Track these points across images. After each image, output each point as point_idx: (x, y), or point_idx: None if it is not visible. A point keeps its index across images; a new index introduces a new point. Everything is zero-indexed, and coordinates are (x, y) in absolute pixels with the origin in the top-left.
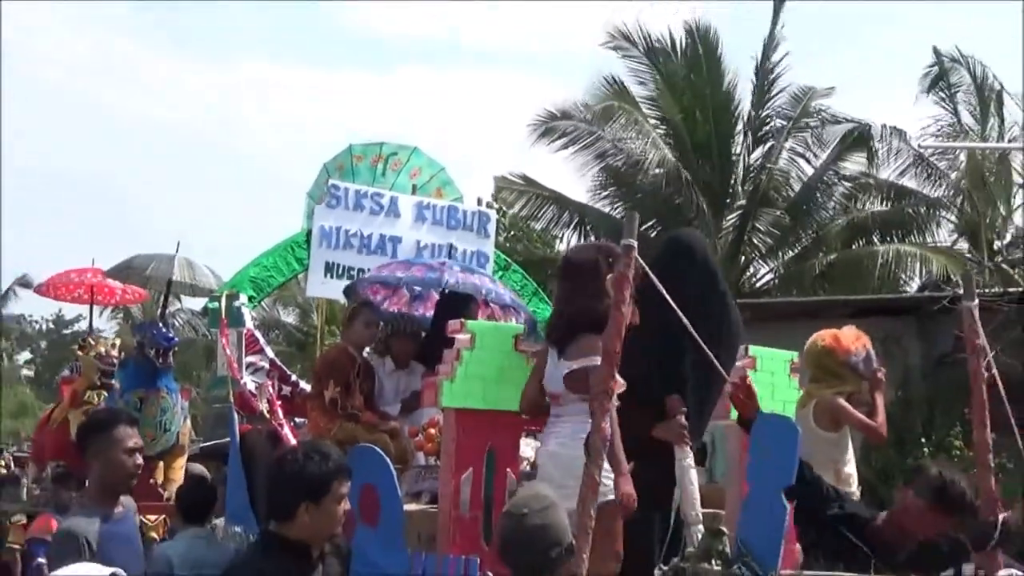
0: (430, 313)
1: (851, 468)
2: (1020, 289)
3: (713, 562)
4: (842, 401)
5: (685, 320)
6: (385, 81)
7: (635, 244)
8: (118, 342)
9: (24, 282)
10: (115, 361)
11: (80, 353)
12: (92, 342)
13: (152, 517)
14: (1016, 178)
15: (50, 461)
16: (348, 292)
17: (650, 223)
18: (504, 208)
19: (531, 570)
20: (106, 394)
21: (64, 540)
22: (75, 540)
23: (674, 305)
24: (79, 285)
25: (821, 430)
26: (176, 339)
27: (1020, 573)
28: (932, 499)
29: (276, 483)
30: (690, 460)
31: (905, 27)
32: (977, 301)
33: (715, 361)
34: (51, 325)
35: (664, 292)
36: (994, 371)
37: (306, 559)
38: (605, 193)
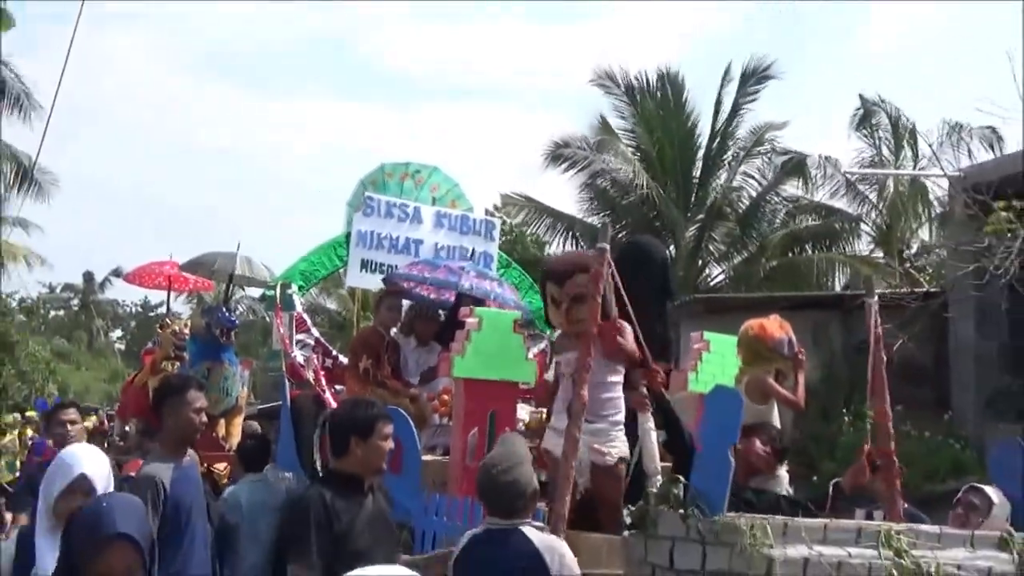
0: (450, 298)
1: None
2: (924, 289)
3: (672, 505)
4: (769, 378)
5: (630, 308)
6: (411, 114)
7: (607, 248)
8: (190, 323)
9: (117, 273)
10: (186, 338)
11: (160, 331)
12: (169, 322)
13: (220, 466)
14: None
15: (132, 418)
16: (385, 282)
17: (627, 231)
18: (507, 219)
19: (504, 513)
20: (179, 364)
21: (143, 481)
22: (152, 481)
23: (626, 298)
24: (159, 276)
25: (752, 402)
26: (237, 321)
27: (923, 516)
28: (772, 443)
29: (333, 427)
30: (651, 424)
31: (839, 77)
32: (877, 298)
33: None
34: (139, 308)
35: (621, 287)
36: (882, 355)
37: (359, 490)
38: (593, 207)
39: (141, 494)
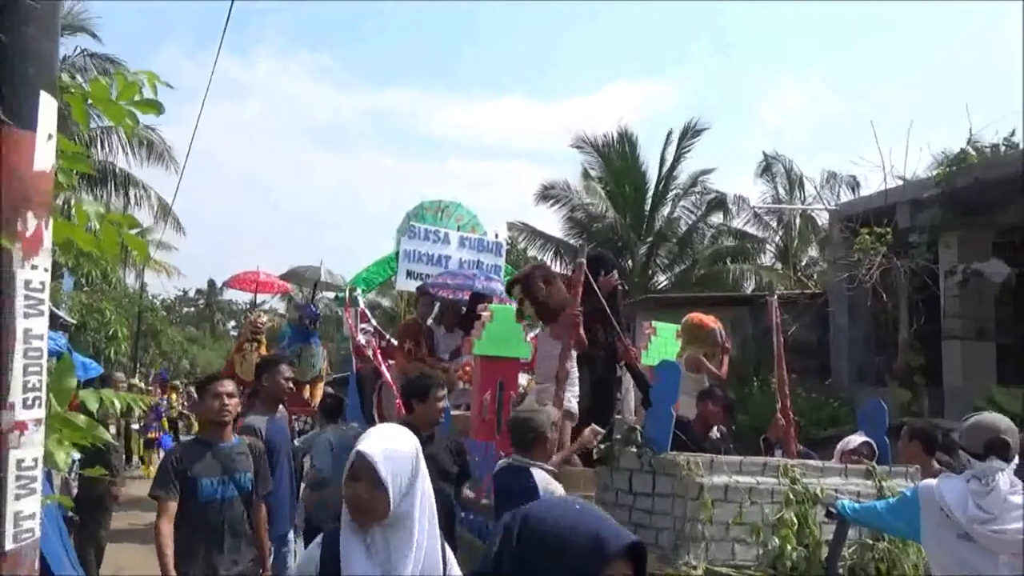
0: (466, 297)
1: None
2: (811, 291)
3: (631, 446)
4: (702, 357)
5: (604, 301)
6: (442, 166)
7: (585, 262)
8: (264, 316)
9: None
10: (261, 326)
11: (244, 321)
12: (249, 314)
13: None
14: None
15: None
16: (420, 289)
17: (598, 249)
18: (512, 242)
19: (521, 447)
20: (256, 344)
21: (247, 428)
22: (252, 428)
23: (598, 291)
24: (250, 282)
25: (689, 372)
26: (320, 315)
27: (812, 454)
28: (723, 404)
29: (403, 391)
30: (631, 384)
31: (748, 139)
32: (777, 297)
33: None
34: (248, 305)
35: (594, 283)
36: (781, 338)
37: (416, 435)
38: (573, 232)
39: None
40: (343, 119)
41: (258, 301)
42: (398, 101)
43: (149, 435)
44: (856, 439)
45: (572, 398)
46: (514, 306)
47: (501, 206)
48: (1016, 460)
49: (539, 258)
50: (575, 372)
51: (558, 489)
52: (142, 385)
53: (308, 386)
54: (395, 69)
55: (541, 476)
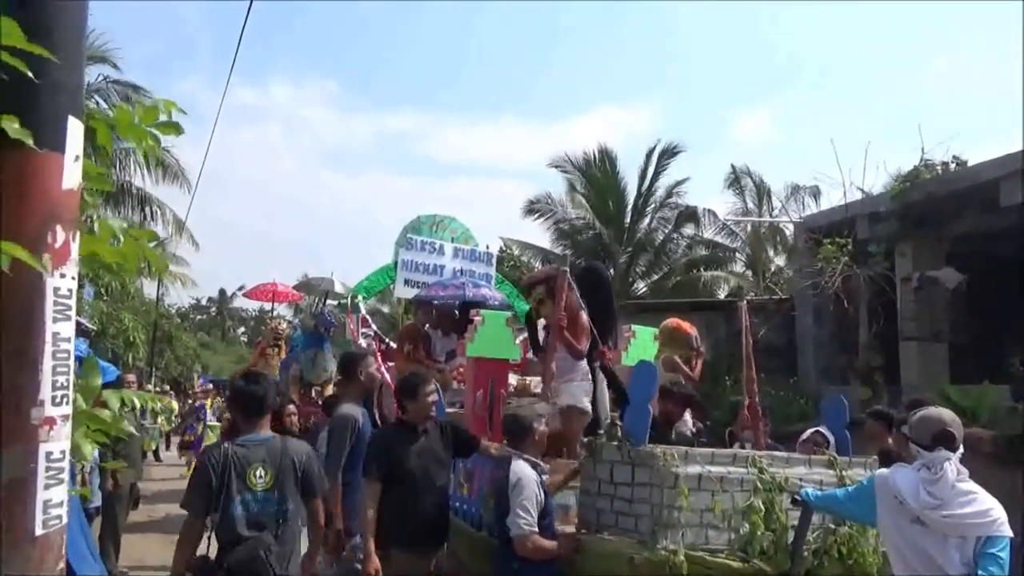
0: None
1: None
2: (778, 297)
3: (612, 439)
4: (677, 358)
5: (584, 309)
6: (443, 186)
7: (568, 270)
8: (284, 323)
9: (241, 290)
10: (281, 333)
11: (264, 328)
12: (269, 322)
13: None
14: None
15: None
16: (417, 298)
17: (583, 259)
18: (511, 254)
19: (509, 438)
20: (277, 350)
21: (345, 417)
22: (352, 418)
23: (582, 303)
24: (267, 292)
25: (666, 371)
26: (333, 322)
27: (779, 446)
28: (683, 401)
29: (397, 392)
30: (605, 384)
31: (719, 154)
32: (746, 302)
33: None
34: (256, 313)
35: (578, 295)
36: (750, 339)
37: (413, 431)
38: (561, 243)
39: (343, 425)
40: (355, 141)
41: (267, 308)
42: (403, 123)
43: (186, 436)
44: (810, 431)
45: (584, 395)
46: (506, 310)
47: (496, 221)
48: (961, 449)
49: (533, 265)
50: (586, 369)
51: (525, 476)
52: (150, 387)
53: (320, 388)
54: (399, 93)
55: (517, 464)
